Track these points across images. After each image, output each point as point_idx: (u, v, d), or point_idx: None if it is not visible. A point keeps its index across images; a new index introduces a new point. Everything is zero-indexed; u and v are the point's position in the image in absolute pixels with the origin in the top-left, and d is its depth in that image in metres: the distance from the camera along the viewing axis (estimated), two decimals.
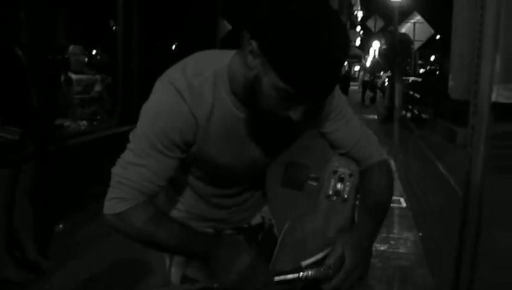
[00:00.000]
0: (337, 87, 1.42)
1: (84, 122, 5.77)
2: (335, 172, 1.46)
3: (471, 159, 2.29)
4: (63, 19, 6.04)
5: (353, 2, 53.26)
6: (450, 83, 2.48)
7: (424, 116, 15.37)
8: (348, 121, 1.49)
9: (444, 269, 3.80)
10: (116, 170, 1.31)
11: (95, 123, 5.99)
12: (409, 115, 16.60)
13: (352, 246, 1.36)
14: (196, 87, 1.26)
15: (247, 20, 1.21)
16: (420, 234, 5.29)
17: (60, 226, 4.44)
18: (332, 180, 1.45)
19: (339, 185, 1.45)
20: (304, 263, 1.36)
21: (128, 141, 1.32)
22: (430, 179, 7.93)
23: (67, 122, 5.41)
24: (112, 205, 1.30)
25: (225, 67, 1.30)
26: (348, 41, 1.19)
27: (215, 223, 1.61)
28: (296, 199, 1.58)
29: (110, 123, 6.06)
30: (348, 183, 1.45)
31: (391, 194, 1.54)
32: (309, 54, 1.08)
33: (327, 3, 1.17)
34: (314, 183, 1.51)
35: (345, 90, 14.27)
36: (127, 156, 1.30)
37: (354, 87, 34.51)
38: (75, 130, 5.47)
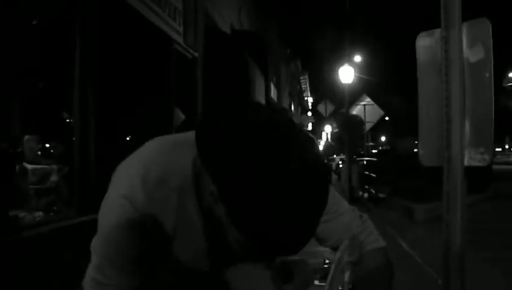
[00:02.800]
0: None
1: (40, 213, 5.55)
2: (344, 265, 1.31)
3: (448, 225, 2.25)
4: (17, 109, 5.94)
5: (303, 88, 54.72)
6: (420, 151, 2.47)
7: (381, 195, 15.51)
8: (338, 217, 1.37)
9: None
10: (86, 286, 1.22)
11: (51, 214, 5.77)
12: (366, 195, 16.74)
13: None
14: (159, 203, 1.14)
15: (200, 143, 1.06)
16: None
17: None
18: (342, 275, 1.30)
19: (346, 278, 1.30)
20: None
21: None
22: (393, 256, 7.89)
23: (22, 214, 5.19)
24: None
25: (191, 180, 1.15)
26: (326, 195, 1.02)
27: None
28: None
29: (67, 214, 5.86)
30: (350, 271, 1.31)
31: (388, 281, 1.42)
32: (275, 218, 0.93)
33: (307, 149, 1.00)
34: (323, 284, 1.34)
35: None
36: (94, 273, 1.20)
37: None
38: (30, 221, 5.25)
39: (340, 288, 1.28)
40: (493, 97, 2.26)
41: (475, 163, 2.28)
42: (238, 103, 1.08)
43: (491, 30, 2.28)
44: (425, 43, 2.47)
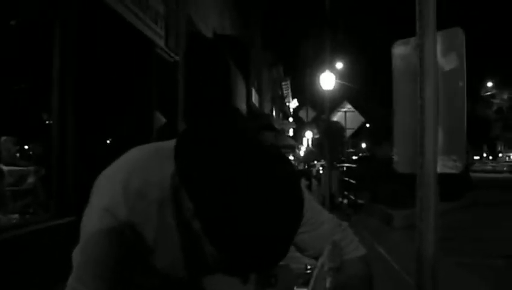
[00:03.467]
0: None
1: (16, 215, 5.51)
2: (326, 272, 1.29)
3: (421, 233, 2.26)
4: None
5: (285, 93, 54.82)
6: (395, 158, 2.50)
7: (360, 201, 15.57)
8: (317, 228, 1.38)
9: None
10: None
11: (27, 216, 5.72)
12: (345, 201, 16.78)
13: None
14: (139, 215, 1.15)
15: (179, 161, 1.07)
16: None
17: None
18: (324, 281, 1.29)
19: (327, 283, 1.29)
20: None
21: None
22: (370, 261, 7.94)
23: None
24: None
25: (169, 193, 1.16)
26: (299, 212, 1.02)
27: None
28: None
29: (44, 216, 5.82)
30: (332, 277, 1.29)
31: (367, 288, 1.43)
32: (249, 236, 0.95)
33: (281, 167, 1.01)
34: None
35: None
36: (74, 282, 1.20)
37: None
38: (6, 224, 5.21)
39: None
40: (466, 106, 2.30)
41: (447, 170, 2.31)
42: (217, 118, 1.09)
43: (464, 40, 2.32)
44: (400, 51, 2.50)
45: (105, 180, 1.22)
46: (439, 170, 2.28)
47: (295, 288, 1.47)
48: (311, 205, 1.38)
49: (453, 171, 2.32)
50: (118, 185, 1.17)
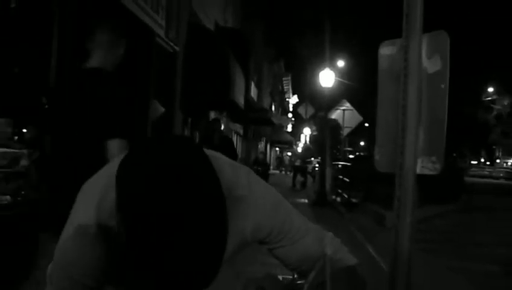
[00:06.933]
0: (283, 209, 1.35)
1: (8, 197, 5.52)
2: (315, 287, 1.29)
3: (397, 230, 2.30)
4: None
5: (285, 89, 54.77)
6: (376, 157, 2.53)
7: (354, 200, 15.58)
8: (297, 241, 1.36)
9: None
10: None
11: (19, 199, 5.74)
12: (339, 199, 16.80)
13: None
14: (110, 231, 1.16)
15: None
16: None
17: None
18: None
19: None
20: None
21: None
22: (360, 260, 7.97)
23: None
24: None
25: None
26: (217, 241, 0.97)
27: None
28: None
29: (35, 200, 5.84)
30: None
31: None
32: (163, 258, 0.93)
33: (197, 192, 0.95)
34: None
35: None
36: None
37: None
38: None
39: None
40: (447, 108, 2.33)
41: (426, 171, 2.35)
42: (148, 146, 1.04)
43: (449, 43, 2.35)
44: (387, 52, 2.53)
45: (83, 196, 1.25)
46: (418, 171, 2.32)
47: None
48: (291, 218, 1.37)
49: (432, 172, 2.35)
50: (93, 201, 1.20)
